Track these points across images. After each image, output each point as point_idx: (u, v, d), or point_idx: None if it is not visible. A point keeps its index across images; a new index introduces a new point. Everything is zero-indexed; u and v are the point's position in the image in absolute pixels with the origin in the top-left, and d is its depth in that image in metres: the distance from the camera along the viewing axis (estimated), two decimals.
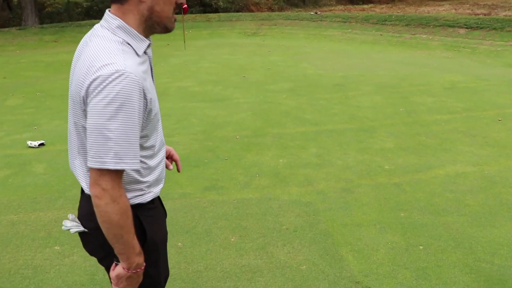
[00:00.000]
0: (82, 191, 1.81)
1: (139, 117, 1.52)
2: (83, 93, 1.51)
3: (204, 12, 29.73)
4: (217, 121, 7.15)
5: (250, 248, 3.59)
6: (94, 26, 1.68)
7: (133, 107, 1.48)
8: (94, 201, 1.54)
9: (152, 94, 1.61)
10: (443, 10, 27.33)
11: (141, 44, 1.62)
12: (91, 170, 1.53)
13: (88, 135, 1.51)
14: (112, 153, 1.48)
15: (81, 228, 1.75)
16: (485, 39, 15.16)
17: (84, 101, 1.52)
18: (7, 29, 24.12)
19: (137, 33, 1.61)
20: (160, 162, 1.81)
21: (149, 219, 1.78)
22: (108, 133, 1.46)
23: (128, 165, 1.52)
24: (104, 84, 1.45)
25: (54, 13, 32.00)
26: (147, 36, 1.67)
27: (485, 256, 3.41)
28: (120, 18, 1.59)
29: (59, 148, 6.10)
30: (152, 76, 1.75)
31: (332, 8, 34.32)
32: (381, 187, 4.62)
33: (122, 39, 1.58)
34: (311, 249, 3.54)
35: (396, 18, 19.53)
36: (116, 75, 1.45)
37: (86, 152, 1.55)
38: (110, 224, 1.55)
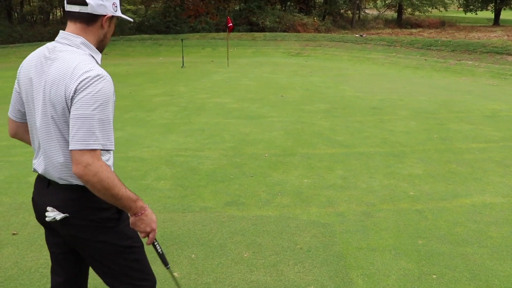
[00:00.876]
0: (49, 184, 2.07)
1: (113, 109, 1.96)
2: (68, 93, 1.87)
3: (251, 31, 30.17)
4: (249, 138, 7.25)
5: (262, 264, 3.63)
6: (47, 45, 2.05)
7: (109, 101, 1.91)
8: (83, 179, 1.84)
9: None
10: (495, 36, 26.72)
11: (98, 56, 2.08)
12: (72, 152, 1.85)
13: (73, 124, 1.85)
14: (94, 137, 1.84)
15: (63, 214, 2.01)
16: None
17: (67, 100, 1.88)
18: None
19: (95, 48, 2.06)
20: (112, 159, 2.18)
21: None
22: (91, 121, 1.84)
23: (107, 146, 1.90)
24: (90, 83, 1.86)
25: None
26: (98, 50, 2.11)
27: None
28: (82, 37, 2.02)
29: None
30: None
31: (380, 31, 34.15)
32: (403, 213, 4.57)
33: (87, 53, 2.01)
34: (321, 270, 3.55)
35: (442, 43, 19.24)
36: (98, 77, 1.89)
37: (66, 142, 1.93)
38: (104, 189, 1.86)
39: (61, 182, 2.02)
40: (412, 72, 15.94)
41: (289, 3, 39.08)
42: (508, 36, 25.90)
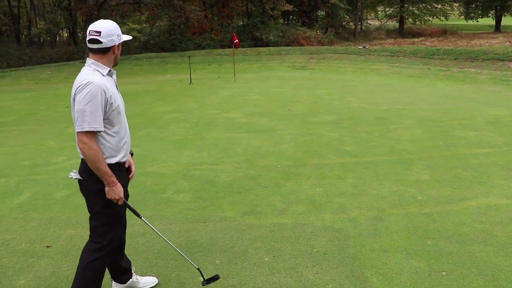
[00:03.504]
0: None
1: (101, 103, 2.90)
2: (72, 96, 2.94)
3: (255, 45, 30.61)
4: (261, 151, 7.54)
5: (282, 267, 3.90)
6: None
7: (97, 97, 2.87)
8: (82, 151, 2.92)
9: (113, 94, 3.00)
10: (496, 42, 27.01)
11: (104, 70, 3.03)
12: (77, 133, 2.90)
13: (75, 115, 2.90)
14: (87, 123, 2.86)
15: (79, 177, 3.06)
16: None
17: (74, 99, 2.93)
18: (72, 62, 25.80)
19: (102, 65, 3.03)
20: (123, 145, 3.15)
21: (115, 174, 3.03)
22: (84, 112, 2.85)
23: (96, 128, 2.88)
24: (82, 87, 2.88)
25: None
26: (111, 66, 3.09)
27: (507, 284, 3.57)
28: (95, 61, 3.02)
29: None
30: (117, 88, 3.17)
31: (382, 42, 34.52)
32: (412, 216, 4.83)
33: (93, 68, 3.01)
34: (338, 271, 3.81)
35: (445, 52, 19.55)
36: (88, 84, 2.88)
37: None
38: (91, 161, 2.91)
39: (80, 156, 3.04)
40: (415, 81, 16.23)
41: (291, 17, 39.62)
42: (509, 42, 26.18)
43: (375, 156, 7.08)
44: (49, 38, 39.77)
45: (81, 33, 37.62)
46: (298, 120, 9.89)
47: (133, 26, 37.75)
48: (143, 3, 33.31)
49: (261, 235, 4.52)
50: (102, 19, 3.07)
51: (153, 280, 3.72)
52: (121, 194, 3.04)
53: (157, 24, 35.30)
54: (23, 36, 37.83)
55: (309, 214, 5.01)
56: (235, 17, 38.14)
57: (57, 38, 40.08)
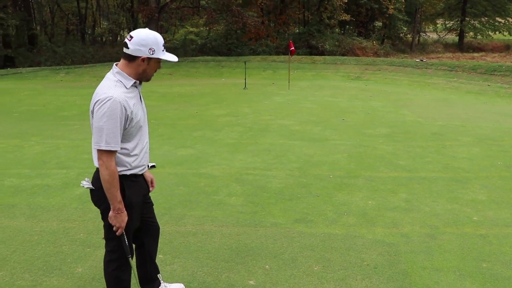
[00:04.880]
0: None
1: (121, 121, 2.77)
2: (91, 108, 2.82)
3: (310, 54, 30.60)
4: (313, 159, 7.56)
5: (331, 278, 3.91)
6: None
7: (116, 115, 2.73)
8: (99, 168, 2.81)
9: (134, 109, 2.87)
10: None
11: (129, 82, 2.88)
12: (97, 150, 2.79)
13: (93, 131, 2.79)
14: (104, 141, 2.74)
15: (91, 186, 2.98)
16: None
17: (92, 112, 2.81)
18: None
19: (127, 75, 2.87)
20: (141, 158, 3.05)
21: (129, 185, 2.99)
22: (102, 130, 2.73)
23: (113, 148, 2.77)
24: (101, 103, 2.74)
25: (171, 49, 34.60)
26: (137, 79, 2.91)
27: None
28: (121, 69, 2.88)
29: (168, 171, 6.82)
30: (140, 99, 3.03)
31: (440, 55, 33.72)
32: (466, 237, 4.72)
33: (117, 79, 2.86)
34: (388, 286, 3.78)
35: (507, 69, 18.88)
36: (107, 99, 2.73)
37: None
38: (104, 181, 2.80)
39: (95, 165, 2.93)
40: (474, 97, 15.77)
41: (348, 26, 39.35)
42: None
43: (429, 172, 6.95)
44: (110, 38, 41.26)
45: None
46: (352, 131, 9.83)
47: (191, 29, 38.56)
48: (202, 7, 34.02)
49: (311, 243, 4.55)
50: (147, 29, 2.92)
51: (180, 287, 3.68)
52: (123, 224, 2.92)
53: (215, 28, 35.96)
54: (87, 36, 39.41)
55: (360, 226, 4.99)
56: (291, 24, 38.27)
57: (118, 38, 41.49)
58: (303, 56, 27.95)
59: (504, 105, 14.01)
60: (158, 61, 2.94)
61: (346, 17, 33.83)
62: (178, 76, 23.12)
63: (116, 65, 2.92)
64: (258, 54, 30.87)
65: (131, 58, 2.85)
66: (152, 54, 2.85)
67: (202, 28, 38.86)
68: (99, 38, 40.59)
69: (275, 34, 34.96)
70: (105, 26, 41.97)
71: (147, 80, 2.99)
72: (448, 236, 4.75)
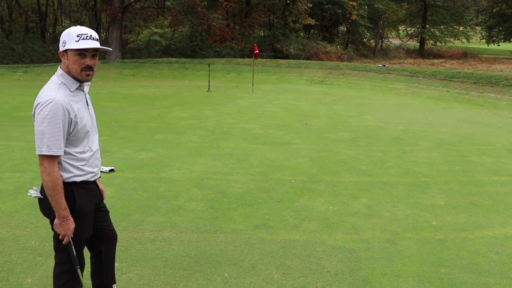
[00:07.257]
0: None
1: (63, 125, 2.64)
2: (33, 112, 2.70)
3: (275, 57, 30.68)
4: (275, 164, 7.51)
5: (291, 285, 3.85)
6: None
7: (58, 118, 2.61)
8: (41, 175, 2.66)
9: (79, 113, 2.74)
10: None
11: (74, 85, 2.75)
12: (39, 156, 2.65)
13: (35, 135, 2.65)
14: (45, 146, 2.61)
15: (39, 195, 2.83)
16: None
17: (34, 116, 2.68)
18: None
19: (71, 78, 2.74)
20: (91, 164, 2.90)
21: (80, 193, 2.85)
22: (43, 134, 2.61)
23: (55, 153, 2.64)
24: (42, 106, 2.62)
25: (135, 49, 34.15)
26: (75, 79, 2.76)
27: None
28: (64, 71, 2.75)
29: (127, 175, 6.64)
30: (87, 102, 2.91)
31: (402, 61, 34.42)
32: (426, 242, 4.75)
33: (61, 81, 2.73)
34: None
35: (465, 75, 19.40)
36: (47, 102, 2.61)
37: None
38: (47, 187, 2.66)
39: None
40: (434, 103, 16.11)
41: (312, 30, 39.71)
42: None
43: (390, 177, 7.00)
44: None
45: (104, 34, 38.01)
46: (315, 135, 9.84)
47: (156, 30, 38.12)
48: (167, 8, 33.64)
49: (271, 250, 4.48)
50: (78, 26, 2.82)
51: None
52: (69, 232, 2.78)
53: (179, 29, 35.60)
54: (48, 34, 38.37)
55: (321, 232, 4.95)
56: (256, 27, 38.34)
57: None
58: (267, 60, 28.00)
59: (462, 111, 14.35)
60: (77, 53, 2.69)
61: (311, 21, 34.12)
62: (140, 77, 22.77)
63: (61, 67, 2.79)
64: (223, 56, 30.75)
65: (61, 56, 2.79)
66: (64, 46, 2.70)
67: (166, 29, 38.46)
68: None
69: (240, 37, 34.92)
70: (67, 24, 40.99)
71: (83, 79, 2.76)
72: (408, 241, 4.76)
